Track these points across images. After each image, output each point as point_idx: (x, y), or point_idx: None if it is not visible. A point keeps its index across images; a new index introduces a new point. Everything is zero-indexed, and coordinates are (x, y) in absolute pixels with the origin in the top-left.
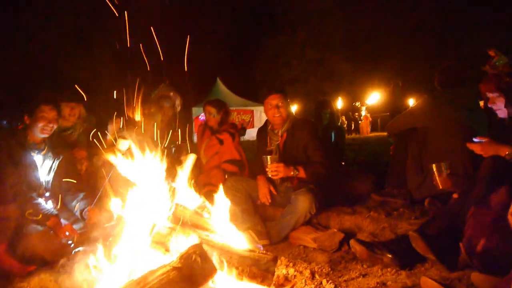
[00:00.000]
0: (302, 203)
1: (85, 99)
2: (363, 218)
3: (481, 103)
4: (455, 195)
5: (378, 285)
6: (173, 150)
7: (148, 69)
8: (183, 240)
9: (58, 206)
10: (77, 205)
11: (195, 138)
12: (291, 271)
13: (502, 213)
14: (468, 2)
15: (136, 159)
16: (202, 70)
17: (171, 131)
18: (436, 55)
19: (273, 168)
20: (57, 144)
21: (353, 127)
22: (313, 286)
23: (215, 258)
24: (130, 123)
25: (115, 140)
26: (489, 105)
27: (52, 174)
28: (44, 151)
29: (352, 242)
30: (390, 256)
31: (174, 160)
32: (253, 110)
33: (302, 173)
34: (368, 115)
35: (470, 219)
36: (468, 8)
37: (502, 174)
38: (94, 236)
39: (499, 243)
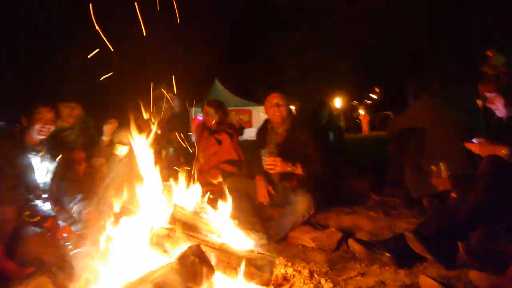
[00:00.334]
0: (301, 204)
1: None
2: (362, 218)
3: (479, 102)
4: (453, 194)
5: (377, 284)
6: (171, 151)
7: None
8: (181, 241)
9: (56, 208)
10: (75, 206)
11: (193, 139)
12: (290, 270)
13: None
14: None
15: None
16: (200, 70)
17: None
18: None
19: (270, 162)
20: (55, 145)
21: (352, 127)
22: (311, 285)
23: (213, 259)
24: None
25: (111, 142)
26: (488, 105)
27: (50, 175)
28: (42, 153)
29: (350, 241)
30: (388, 255)
31: (173, 160)
32: (251, 110)
33: (299, 169)
34: (366, 114)
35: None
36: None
37: (500, 173)
38: (92, 237)
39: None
